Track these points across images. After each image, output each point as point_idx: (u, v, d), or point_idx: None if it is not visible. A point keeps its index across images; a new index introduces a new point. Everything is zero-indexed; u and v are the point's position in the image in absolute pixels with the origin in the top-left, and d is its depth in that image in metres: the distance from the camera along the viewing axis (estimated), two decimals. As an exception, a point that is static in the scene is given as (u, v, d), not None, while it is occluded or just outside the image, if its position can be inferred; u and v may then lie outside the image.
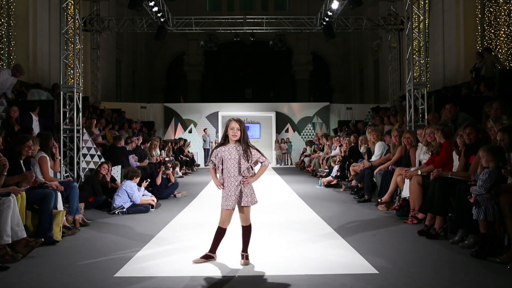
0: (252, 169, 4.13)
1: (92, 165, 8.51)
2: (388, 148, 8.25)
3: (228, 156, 4.05)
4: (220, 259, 4.15)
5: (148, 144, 11.35)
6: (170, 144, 14.71)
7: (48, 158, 6.04)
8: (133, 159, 9.45)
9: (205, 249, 4.20)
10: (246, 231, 4.14)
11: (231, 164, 4.04)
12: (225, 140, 4.10)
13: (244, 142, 4.05)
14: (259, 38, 21.54)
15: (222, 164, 4.09)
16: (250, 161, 4.06)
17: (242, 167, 4.04)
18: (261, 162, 4.15)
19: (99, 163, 8.16)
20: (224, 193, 4.09)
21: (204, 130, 19.42)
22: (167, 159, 12.58)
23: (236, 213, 4.14)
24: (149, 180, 7.74)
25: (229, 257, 4.22)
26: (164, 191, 8.55)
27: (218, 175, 4.16)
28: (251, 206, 4.12)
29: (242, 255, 4.10)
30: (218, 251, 4.22)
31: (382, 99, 20.47)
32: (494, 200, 4.11)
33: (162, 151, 13.32)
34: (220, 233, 4.14)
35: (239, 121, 4.07)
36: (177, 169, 13.11)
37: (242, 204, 4.06)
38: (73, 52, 8.58)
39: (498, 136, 4.55)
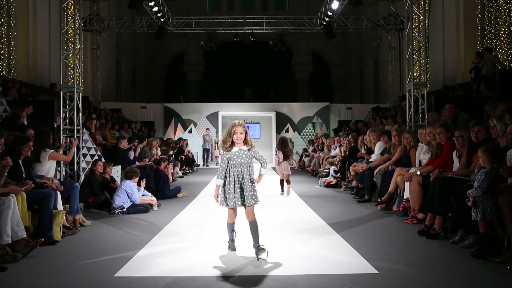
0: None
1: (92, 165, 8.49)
2: (384, 148, 8.25)
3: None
4: (220, 259, 4.16)
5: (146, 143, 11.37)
6: (170, 144, 14.76)
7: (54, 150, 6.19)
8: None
9: (206, 249, 4.20)
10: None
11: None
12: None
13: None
14: (259, 38, 21.53)
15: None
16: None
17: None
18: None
19: (92, 161, 8.11)
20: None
21: (206, 129, 19.43)
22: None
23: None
24: (145, 179, 7.74)
25: (229, 257, 4.22)
26: (168, 192, 8.60)
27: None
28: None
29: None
30: (219, 252, 4.28)
31: (382, 99, 20.48)
32: (491, 200, 4.11)
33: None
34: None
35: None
36: (177, 169, 13.13)
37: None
38: (73, 52, 8.58)
39: (508, 129, 4.57)
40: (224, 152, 4.32)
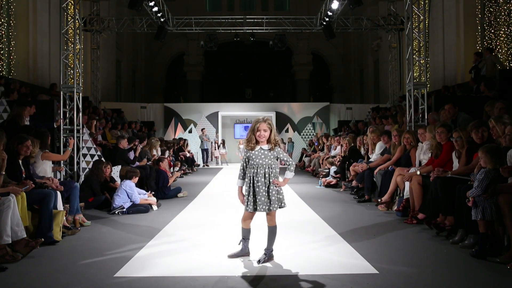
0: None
1: (92, 165, 8.49)
2: (384, 148, 8.25)
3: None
4: (220, 259, 4.16)
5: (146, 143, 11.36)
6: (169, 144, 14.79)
7: (48, 150, 6.19)
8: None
9: (206, 249, 4.18)
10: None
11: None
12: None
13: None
14: (259, 38, 21.55)
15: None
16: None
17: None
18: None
19: (92, 162, 8.10)
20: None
21: (202, 130, 19.40)
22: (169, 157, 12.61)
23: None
24: (153, 193, 7.76)
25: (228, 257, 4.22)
26: (168, 192, 8.60)
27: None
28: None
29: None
30: (219, 252, 4.26)
31: (382, 99, 20.49)
32: (491, 199, 4.11)
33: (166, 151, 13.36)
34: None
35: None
36: (177, 168, 13.14)
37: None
38: (73, 52, 8.58)
39: (507, 130, 4.56)
40: (246, 150, 4.03)
